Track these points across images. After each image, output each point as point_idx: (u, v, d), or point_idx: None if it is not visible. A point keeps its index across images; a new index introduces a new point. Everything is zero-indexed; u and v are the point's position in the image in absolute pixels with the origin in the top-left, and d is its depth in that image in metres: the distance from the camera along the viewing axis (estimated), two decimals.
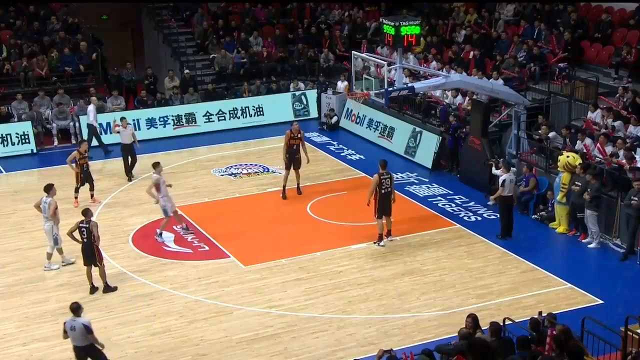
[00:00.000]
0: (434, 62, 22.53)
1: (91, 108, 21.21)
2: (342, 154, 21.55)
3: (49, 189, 14.82)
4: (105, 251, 15.47)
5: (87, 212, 14.01)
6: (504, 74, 20.61)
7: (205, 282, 14.45)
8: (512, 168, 16.90)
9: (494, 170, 17.08)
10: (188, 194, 18.59)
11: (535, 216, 17.18)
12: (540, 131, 18.09)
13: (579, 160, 16.07)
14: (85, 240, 13.81)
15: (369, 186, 15.75)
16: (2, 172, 20.52)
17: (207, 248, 15.84)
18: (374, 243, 15.79)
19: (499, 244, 15.83)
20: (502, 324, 10.76)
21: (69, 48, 24.38)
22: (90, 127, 21.22)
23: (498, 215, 16.52)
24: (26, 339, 12.59)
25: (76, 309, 10.89)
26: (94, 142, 21.05)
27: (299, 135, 18.08)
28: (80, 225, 13.83)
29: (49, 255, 14.90)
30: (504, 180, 16.04)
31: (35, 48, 24.20)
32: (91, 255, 13.87)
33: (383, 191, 15.37)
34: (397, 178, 19.67)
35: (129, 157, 19.60)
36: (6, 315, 13.36)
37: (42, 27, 25.36)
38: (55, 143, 22.35)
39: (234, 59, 25.52)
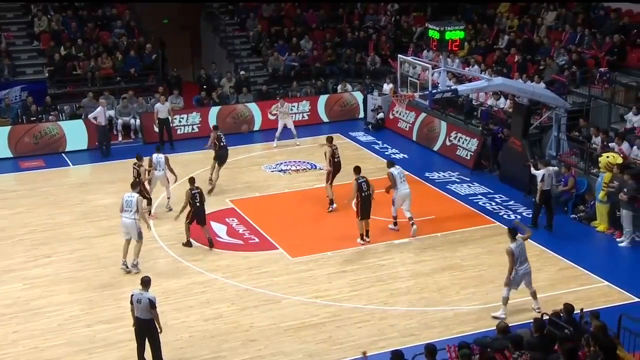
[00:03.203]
0: (476, 66, 22.32)
1: (100, 110, 21.02)
2: (386, 153, 21.49)
3: (135, 186, 14.86)
4: (163, 241, 15.79)
5: (193, 180, 15.45)
6: (553, 78, 20.33)
7: (255, 272, 14.58)
8: (549, 164, 16.71)
9: (533, 171, 16.84)
10: (240, 188, 18.79)
11: (574, 216, 16.89)
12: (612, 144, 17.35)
13: (619, 160, 15.76)
14: (198, 204, 15.03)
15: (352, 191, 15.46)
16: (69, 165, 21.03)
17: (257, 240, 15.98)
18: (360, 240, 15.55)
19: (537, 242, 15.59)
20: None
21: (134, 50, 24.82)
22: (100, 127, 21.07)
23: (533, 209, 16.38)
24: (90, 321, 12.89)
25: (146, 282, 11.17)
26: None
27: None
28: (193, 191, 15.07)
29: (137, 253, 14.46)
30: (543, 175, 15.91)
31: (101, 49, 24.72)
32: (204, 216, 15.24)
33: (364, 194, 15.25)
34: (439, 177, 19.59)
35: (165, 129, 21.49)
36: (73, 298, 13.69)
37: (108, 29, 25.88)
38: (120, 139, 22.80)
39: (285, 61, 25.65)
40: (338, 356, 11.83)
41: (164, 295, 13.59)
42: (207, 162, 19.15)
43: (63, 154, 21.62)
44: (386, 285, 14.00)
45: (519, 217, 16.99)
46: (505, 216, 17.03)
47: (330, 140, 17.54)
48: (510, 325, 10.55)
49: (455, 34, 16.55)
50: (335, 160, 17.16)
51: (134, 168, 16.82)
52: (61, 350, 12.05)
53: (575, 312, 10.72)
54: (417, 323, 12.66)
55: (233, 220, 16.88)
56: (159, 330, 11.22)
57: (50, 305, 13.41)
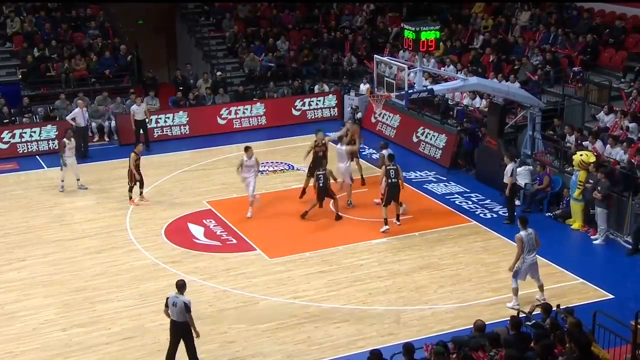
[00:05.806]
0: (451, 66, 22.46)
1: (77, 110, 20.76)
2: (363, 153, 21.47)
3: (248, 149, 16.81)
4: (140, 243, 15.69)
5: (392, 157, 16.59)
6: (529, 77, 20.52)
7: (233, 274, 14.53)
8: (515, 159, 17.02)
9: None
10: (218, 189, 18.71)
11: (549, 214, 17.05)
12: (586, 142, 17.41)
13: (593, 158, 15.95)
14: (321, 185, 16.42)
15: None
16: (43, 168, 20.79)
17: (234, 241, 15.93)
18: (384, 227, 16.11)
19: (512, 240, 15.69)
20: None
21: (109, 51, 24.59)
22: (79, 129, 20.69)
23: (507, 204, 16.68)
24: (66, 325, 12.76)
25: (181, 286, 11.10)
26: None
27: (324, 142, 18.04)
28: (318, 174, 16.48)
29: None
30: (512, 170, 16.15)
31: (75, 50, 24.46)
32: (328, 193, 16.63)
33: (390, 181, 15.93)
34: (416, 176, 19.68)
35: (142, 131, 21.36)
36: (47, 302, 13.54)
37: (82, 30, 25.62)
38: (95, 139, 22.59)
39: (261, 62, 25.60)
40: (317, 356, 11.82)
41: (141, 299, 13.52)
42: (184, 163, 19.04)
43: (37, 156, 21.37)
44: (364, 285, 14.03)
45: (494, 215, 17.13)
46: (481, 215, 17.14)
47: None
48: (487, 323, 10.61)
49: (430, 34, 16.63)
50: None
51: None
52: (36, 355, 11.91)
53: (552, 309, 10.83)
54: (395, 322, 12.69)
55: (210, 221, 16.81)
56: (194, 336, 11.13)
57: (25, 309, 13.25)
